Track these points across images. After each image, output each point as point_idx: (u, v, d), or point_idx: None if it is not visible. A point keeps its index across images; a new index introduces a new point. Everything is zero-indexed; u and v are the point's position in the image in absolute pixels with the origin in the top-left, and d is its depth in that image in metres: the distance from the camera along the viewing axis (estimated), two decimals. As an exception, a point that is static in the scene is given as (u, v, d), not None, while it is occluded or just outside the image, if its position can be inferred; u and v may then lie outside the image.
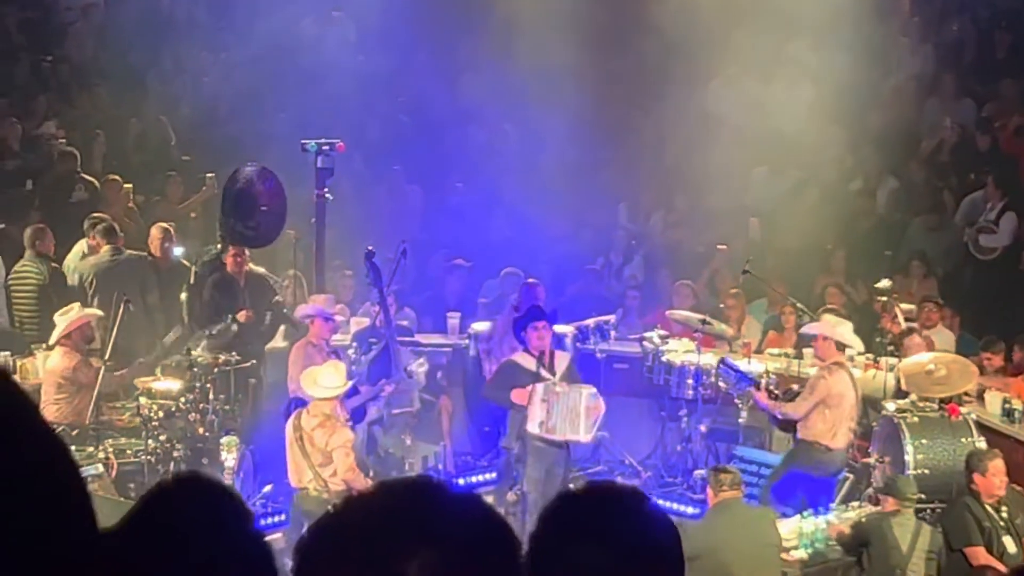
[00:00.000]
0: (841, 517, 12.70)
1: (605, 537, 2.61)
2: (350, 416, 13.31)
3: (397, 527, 2.04)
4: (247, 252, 15.37)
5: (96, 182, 17.90)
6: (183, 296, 15.36)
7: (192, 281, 15.40)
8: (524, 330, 13.11)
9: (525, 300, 14.75)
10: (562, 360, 13.20)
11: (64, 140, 19.14)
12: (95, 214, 16.34)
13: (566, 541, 2.62)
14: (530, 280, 15.25)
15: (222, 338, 14.52)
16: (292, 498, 12.29)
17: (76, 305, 14.16)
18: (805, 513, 12.69)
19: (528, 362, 12.99)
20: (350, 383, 12.50)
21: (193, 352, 14.01)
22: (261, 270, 15.80)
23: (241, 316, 14.87)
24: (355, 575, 2.01)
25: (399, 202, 19.35)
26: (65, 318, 13.75)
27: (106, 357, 13.79)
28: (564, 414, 12.72)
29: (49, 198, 17.41)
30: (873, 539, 11.68)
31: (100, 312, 14.19)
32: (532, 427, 12.77)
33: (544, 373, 12.89)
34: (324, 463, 11.96)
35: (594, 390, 12.84)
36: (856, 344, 13.64)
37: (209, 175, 18.20)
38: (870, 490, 13.22)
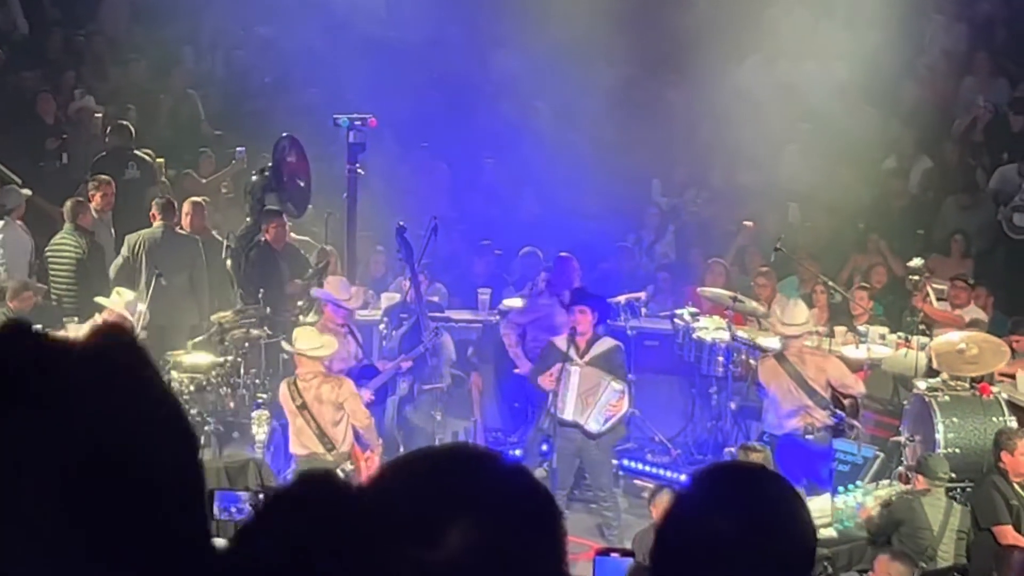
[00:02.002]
0: (873, 495, 12.69)
1: (741, 510, 2.62)
2: (374, 395, 13.38)
3: (438, 493, 2.04)
4: (288, 223, 15.44)
5: (148, 157, 17.90)
6: (229, 264, 15.39)
7: (232, 252, 15.42)
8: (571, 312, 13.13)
9: (556, 275, 14.69)
10: (601, 344, 13.11)
11: (101, 115, 19.17)
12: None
13: (702, 511, 2.62)
14: (562, 254, 15.12)
15: (254, 315, 14.57)
16: (295, 464, 12.31)
17: (132, 296, 14.14)
18: (841, 489, 12.72)
19: (562, 343, 13.00)
20: (332, 349, 12.49)
21: (224, 324, 14.08)
22: (295, 240, 15.88)
23: (293, 286, 14.96)
24: (395, 541, 2.01)
25: (429, 178, 19.34)
26: (119, 299, 13.77)
27: (137, 331, 13.81)
28: (575, 395, 12.70)
29: (100, 173, 17.28)
30: (904, 519, 11.67)
31: (139, 309, 14.12)
32: (553, 406, 12.82)
33: (571, 354, 12.88)
34: (337, 420, 12.03)
35: (621, 387, 12.77)
36: (791, 328, 13.38)
37: (238, 149, 18.24)
38: (900, 468, 13.19)
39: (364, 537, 2.02)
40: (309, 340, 12.32)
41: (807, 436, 12.97)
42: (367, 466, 12.05)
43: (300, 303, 15.03)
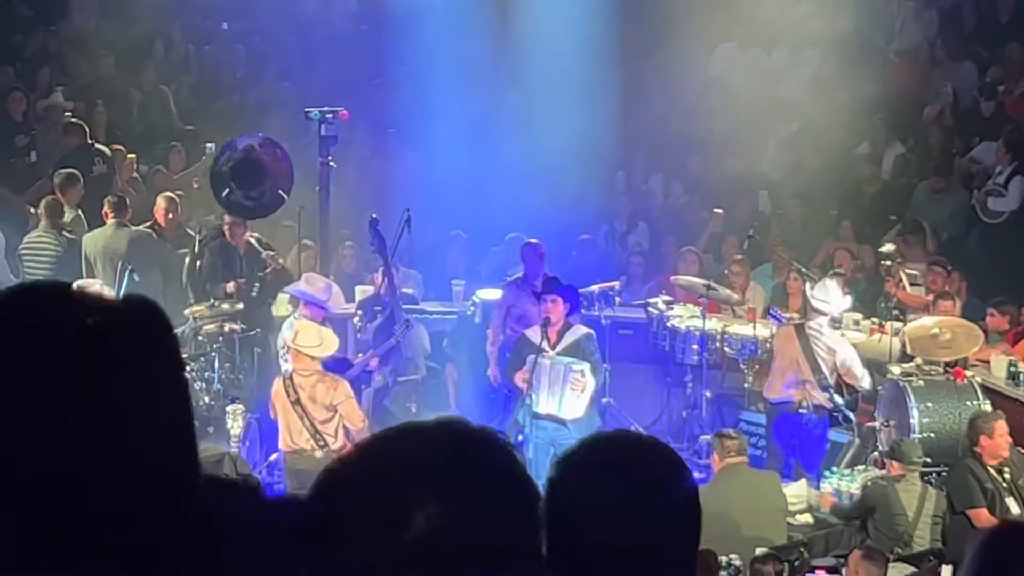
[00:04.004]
0: (848, 480, 12.74)
1: (619, 472, 2.60)
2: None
3: (407, 475, 2.01)
4: (247, 223, 15.35)
5: (108, 150, 17.85)
6: (187, 260, 15.37)
7: (196, 248, 15.40)
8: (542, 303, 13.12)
9: (527, 263, 14.62)
10: (572, 334, 13.09)
11: (71, 113, 19.09)
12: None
13: (580, 474, 2.61)
14: (531, 241, 15.06)
15: (228, 310, 14.55)
16: (283, 460, 12.28)
17: (98, 283, 14.08)
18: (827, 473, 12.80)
19: (534, 335, 12.99)
20: (331, 350, 12.42)
21: (198, 319, 14.08)
22: (255, 239, 15.72)
23: (230, 286, 14.88)
24: (364, 517, 1.99)
25: (401, 170, 19.30)
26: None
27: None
28: (547, 388, 12.70)
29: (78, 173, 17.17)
30: (879, 506, 11.69)
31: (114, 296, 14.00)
32: (528, 398, 12.83)
33: (544, 345, 12.88)
34: (327, 419, 11.99)
35: (584, 366, 12.74)
36: (819, 303, 13.51)
37: (208, 144, 18.19)
38: (876, 454, 13.23)
39: (334, 525, 2.01)
40: (309, 337, 12.25)
41: (801, 411, 13.05)
42: None
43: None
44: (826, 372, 13.17)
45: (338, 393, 12.05)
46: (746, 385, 14.67)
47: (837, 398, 13.24)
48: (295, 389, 12.06)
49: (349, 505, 2.02)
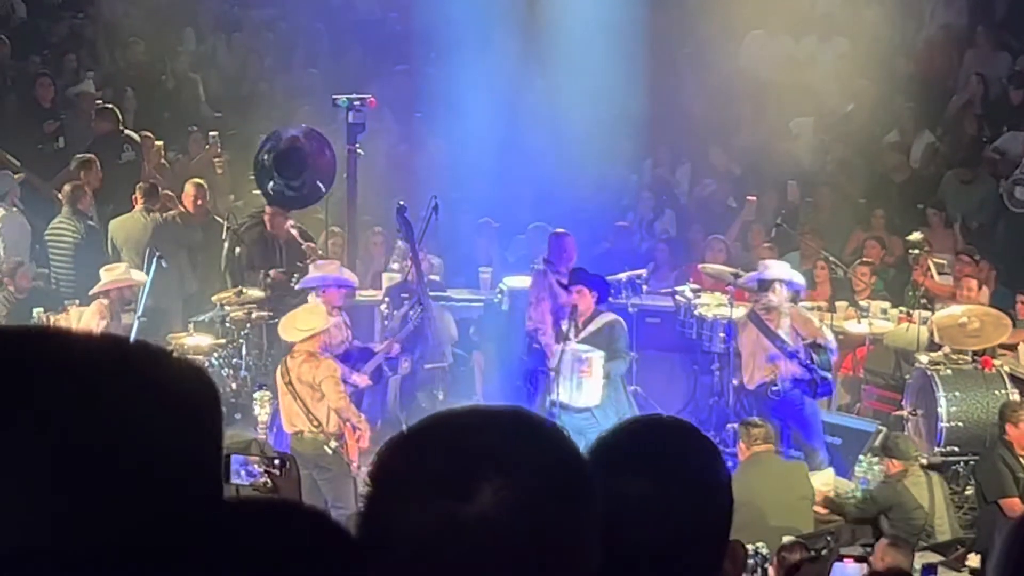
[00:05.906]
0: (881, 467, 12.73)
1: (654, 468, 2.56)
2: (371, 376, 13.34)
3: (476, 450, 2.00)
4: (288, 213, 15.38)
5: (137, 137, 17.90)
6: (224, 247, 15.38)
7: (232, 235, 15.40)
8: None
9: (553, 252, 14.59)
10: (597, 322, 13.08)
11: (100, 101, 19.14)
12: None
13: (614, 472, 2.55)
14: (558, 230, 15.01)
15: (256, 297, 14.58)
16: (289, 442, 12.32)
17: (124, 265, 14.22)
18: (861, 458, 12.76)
19: (565, 326, 13.03)
20: (328, 324, 12.40)
21: (225, 305, 14.12)
22: (296, 230, 15.78)
23: (273, 273, 14.91)
24: (425, 487, 1.98)
25: (428, 157, 19.30)
26: (110, 275, 13.80)
27: (139, 313, 13.82)
28: (565, 376, 12.72)
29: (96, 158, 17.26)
30: (893, 506, 11.64)
31: (144, 278, 14.10)
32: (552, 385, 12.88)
33: (570, 334, 12.89)
34: (316, 398, 11.98)
35: (592, 353, 12.75)
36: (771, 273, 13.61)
37: (212, 133, 18.21)
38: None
39: (395, 488, 2.00)
40: (311, 320, 12.27)
41: (773, 388, 13.04)
42: (357, 444, 12.00)
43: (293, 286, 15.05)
44: (786, 340, 13.17)
45: (320, 371, 12.02)
46: (773, 373, 14.65)
47: (808, 362, 13.18)
48: (288, 371, 12.10)
49: (413, 471, 2.01)
